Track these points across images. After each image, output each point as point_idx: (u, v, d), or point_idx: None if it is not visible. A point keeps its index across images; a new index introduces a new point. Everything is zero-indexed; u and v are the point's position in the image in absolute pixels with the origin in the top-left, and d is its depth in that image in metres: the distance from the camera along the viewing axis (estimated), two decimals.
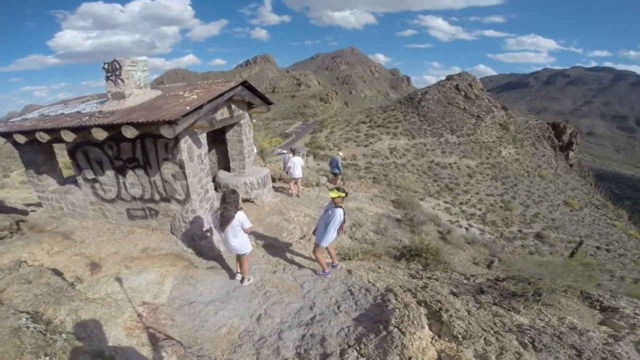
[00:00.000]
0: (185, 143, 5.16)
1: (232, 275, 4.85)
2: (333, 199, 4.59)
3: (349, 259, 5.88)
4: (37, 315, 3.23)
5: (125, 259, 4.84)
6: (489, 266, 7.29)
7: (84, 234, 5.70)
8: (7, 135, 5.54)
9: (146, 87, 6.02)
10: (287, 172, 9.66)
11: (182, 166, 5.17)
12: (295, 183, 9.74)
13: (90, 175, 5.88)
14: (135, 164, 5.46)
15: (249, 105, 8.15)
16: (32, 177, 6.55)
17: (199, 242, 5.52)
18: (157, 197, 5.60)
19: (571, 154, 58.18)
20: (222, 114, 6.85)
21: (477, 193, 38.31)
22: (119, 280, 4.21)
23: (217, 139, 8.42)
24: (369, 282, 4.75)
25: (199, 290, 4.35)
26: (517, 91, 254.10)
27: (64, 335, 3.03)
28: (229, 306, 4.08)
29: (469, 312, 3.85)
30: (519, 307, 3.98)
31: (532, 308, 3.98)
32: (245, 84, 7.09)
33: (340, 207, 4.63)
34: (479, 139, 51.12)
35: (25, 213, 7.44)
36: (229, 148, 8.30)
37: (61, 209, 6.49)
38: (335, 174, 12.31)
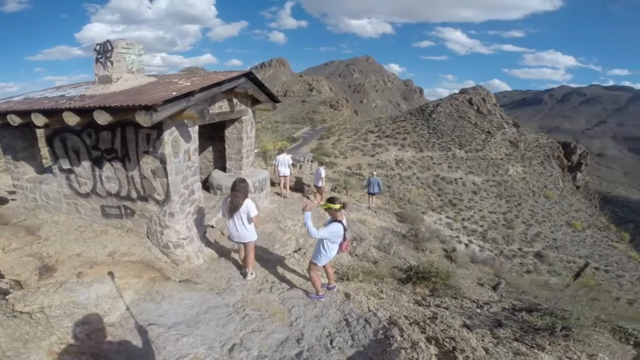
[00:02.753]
0: (170, 135, 4.54)
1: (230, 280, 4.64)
2: (327, 211, 3.95)
3: (348, 280, 5.16)
4: None
5: (86, 263, 4.16)
6: (494, 288, 6.67)
7: (52, 229, 5.08)
8: None
9: (139, 72, 5.45)
10: (274, 171, 9.65)
11: (163, 161, 4.53)
12: (285, 183, 9.50)
13: (66, 165, 5.30)
14: (113, 155, 4.85)
15: (254, 101, 7.55)
16: (9, 163, 6.09)
17: (174, 251, 4.83)
18: (134, 194, 4.96)
19: (579, 175, 56.81)
20: (221, 107, 6.28)
21: (480, 210, 37.57)
22: (63, 290, 3.52)
23: (216, 135, 7.83)
24: (370, 310, 4.09)
25: (163, 309, 3.64)
26: (530, 108, 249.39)
27: None
28: (197, 331, 3.37)
29: (486, 350, 3.24)
30: (544, 344, 3.38)
31: (559, 344, 3.39)
32: (249, 76, 6.49)
33: (339, 221, 3.92)
34: (487, 155, 50.19)
35: (5, 201, 6.94)
36: (226, 146, 7.67)
37: (35, 200, 5.92)
38: (371, 193, 11.92)
